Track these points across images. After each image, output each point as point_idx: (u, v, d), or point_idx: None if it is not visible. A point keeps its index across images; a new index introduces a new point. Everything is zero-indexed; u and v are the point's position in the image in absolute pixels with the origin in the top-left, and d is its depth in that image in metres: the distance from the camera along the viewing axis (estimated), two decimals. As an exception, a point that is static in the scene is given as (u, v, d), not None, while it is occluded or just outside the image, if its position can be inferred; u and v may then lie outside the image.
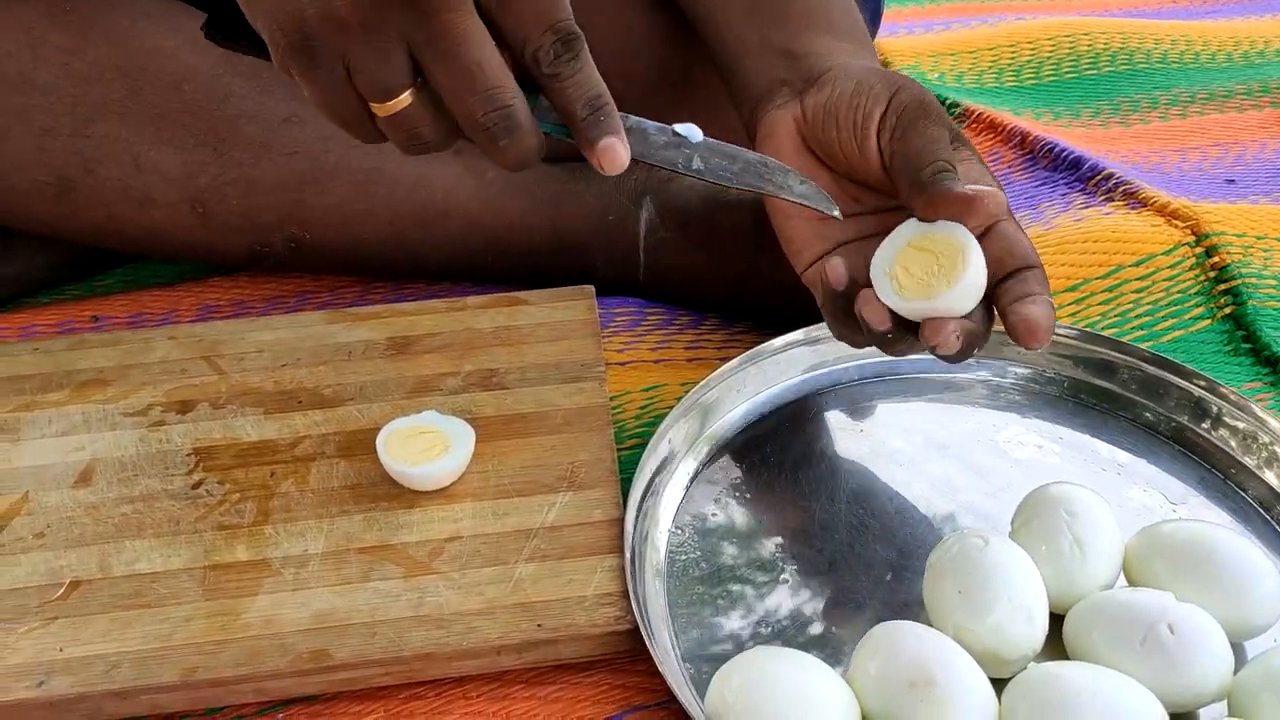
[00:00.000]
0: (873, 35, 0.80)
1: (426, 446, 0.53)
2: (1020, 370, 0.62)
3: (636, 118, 0.45)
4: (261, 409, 0.59)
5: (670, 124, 0.45)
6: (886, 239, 0.48)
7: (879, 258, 0.47)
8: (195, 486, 0.54)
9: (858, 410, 0.60)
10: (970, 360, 0.61)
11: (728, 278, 0.69)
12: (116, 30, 0.64)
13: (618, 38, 0.73)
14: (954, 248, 0.45)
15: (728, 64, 0.62)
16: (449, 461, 0.53)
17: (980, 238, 0.48)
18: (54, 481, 0.55)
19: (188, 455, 0.56)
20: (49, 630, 0.47)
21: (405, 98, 0.42)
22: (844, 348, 0.62)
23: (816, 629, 0.49)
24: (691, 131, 0.45)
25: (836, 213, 0.46)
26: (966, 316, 0.46)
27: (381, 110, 0.43)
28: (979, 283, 0.45)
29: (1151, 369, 0.58)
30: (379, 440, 0.53)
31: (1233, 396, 0.56)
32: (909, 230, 0.47)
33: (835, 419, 0.60)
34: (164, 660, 0.46)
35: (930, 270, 0.45)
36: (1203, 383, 0.57)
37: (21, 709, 0.45)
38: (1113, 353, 0.60)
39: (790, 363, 0.61)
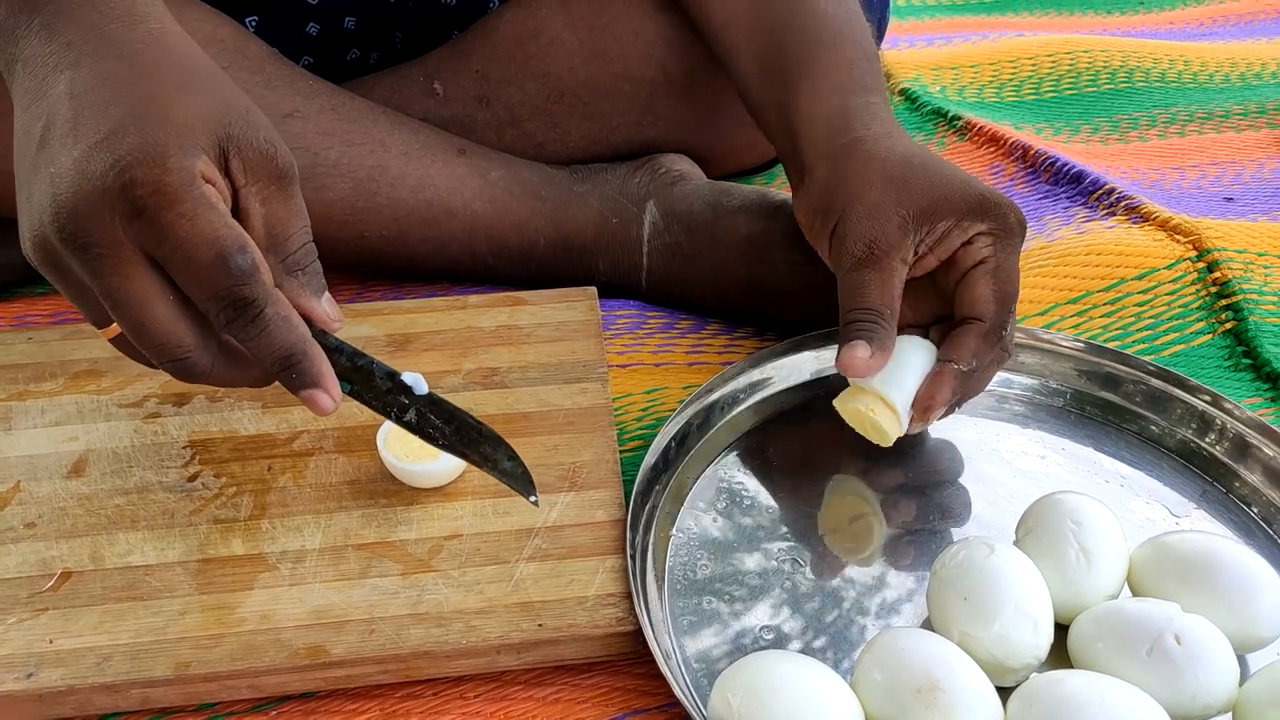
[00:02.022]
0: (877, 47, 0.81)
1: (422, 446, 0.52)
2: (1024, 381, 0.62)
3: (368, 357, 0.45)
4: (259, 403, 0.58)
5: (401, 371, 0.45)
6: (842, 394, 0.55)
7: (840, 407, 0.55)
8: (191, 479, 0.54)
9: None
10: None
11: (730, 284, 0.69)
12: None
13: (623, 40, 0.73)
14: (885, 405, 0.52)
15: (763, 130, 0.64)
16: (449, 460, 0.52)
17: (957, 281, 0.54)
18: (46, 471, 0.54)
19: (183, 448, 0.56)
20: (39, 622, 0.46)
21: (113, 328, 0.43)
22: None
23: (820, 634, 0.48)
24: (417, 383, 0.45)
25: (534, 499, 0.47)
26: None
27: (102, 335, 0.44)
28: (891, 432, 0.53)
29: (1156, 382, 0.58)
30: (379, 436, 0.53)
31: (1237, 411, 0.56)
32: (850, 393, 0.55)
33: (838, 426, 0.59)
34: (157, 654, 0.45)
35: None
36: (1207, 397, 0.57)
37: (10, 701, 0.44)
38: (1117, 365, 0.60)
39: (794, 368, 0.61)
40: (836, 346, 0.52)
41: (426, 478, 0.52)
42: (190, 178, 0.40)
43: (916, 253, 0.53)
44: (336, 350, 0.44)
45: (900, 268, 0.53)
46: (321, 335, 0.44)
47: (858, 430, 0.55)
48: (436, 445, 0.46)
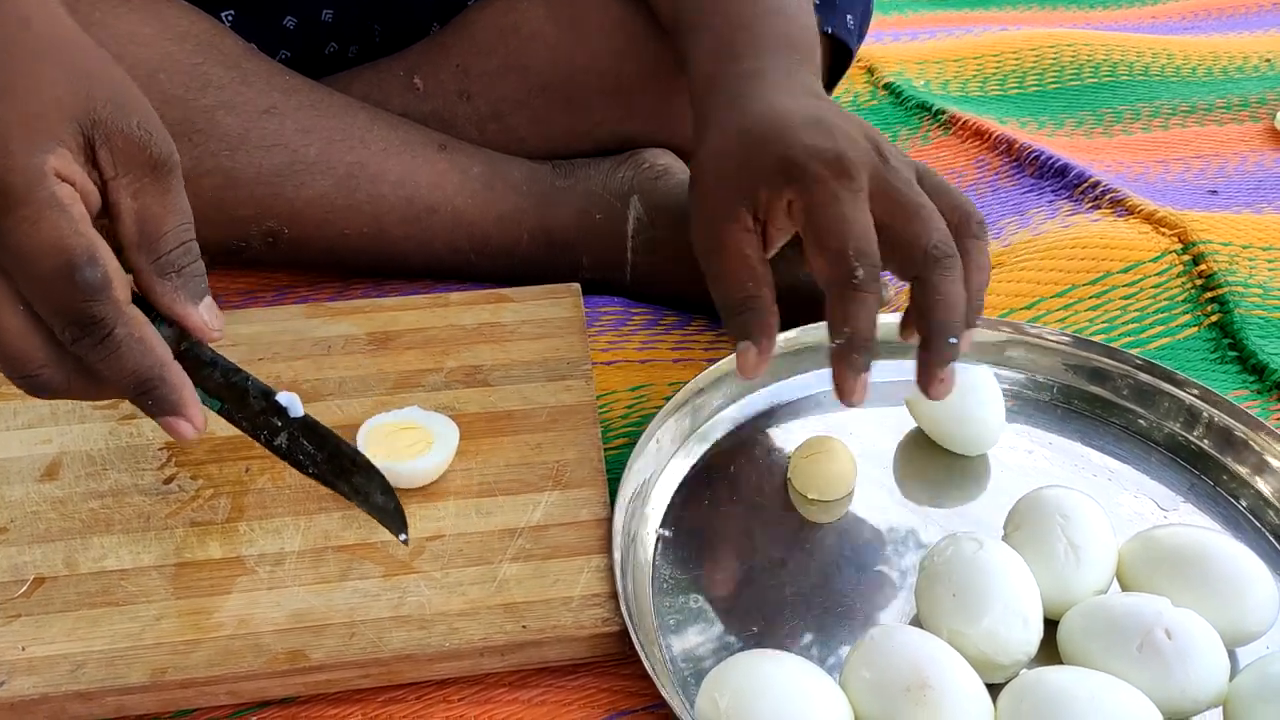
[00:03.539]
0: (860, 41, 0.80)
1: (409, 443, 0.52)
2: (1011, 375, 0.61)
3: (244, 374, 0.42)
4: (237, 403, 0.57)
5: (278, 391, 0.43)
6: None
7: None
8: (167, 482, 0.53)
9: (849, 414, 0.60)
10: (963, 364, 0.62)
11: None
12: (93, 16, 0.62)
13: (606, 33, 0.72)
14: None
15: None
16: (431, 458, 0.51)
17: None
18: (19, 475, 0.53)
19: (159, 450, 0.55)
20: (11, 629, 0.45)
21: None
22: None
23: (808, 632, 0.48)
24: (292, 404, 0.42)
25: (403, 538, 0.44)
26: None
27: None
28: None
29: (1143, 376, 0.58)
30: (359, 436, 0.52)
31: (1224, 404, 0.55)
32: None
33: (827, 421, 0.59)
34: (132, 660, 0.44)
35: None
36: (1195, 390, 0.56)
37: (-20, 710, 0.43)
38: (1105, 359, 0.59)
39: (781, 364, 0.61)
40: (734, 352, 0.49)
41: (408, 477, 0.51)
42: (36, 176, 0.36)
43: (758, 220, 0.50)
44: (210, 364, 0.42)
45: (749, 236, 0.50)
46: (196, 347, 0.41)
47: (930, 436, 0.56)
48: (306, 473, 0.43)
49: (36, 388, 0.40)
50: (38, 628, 0.45)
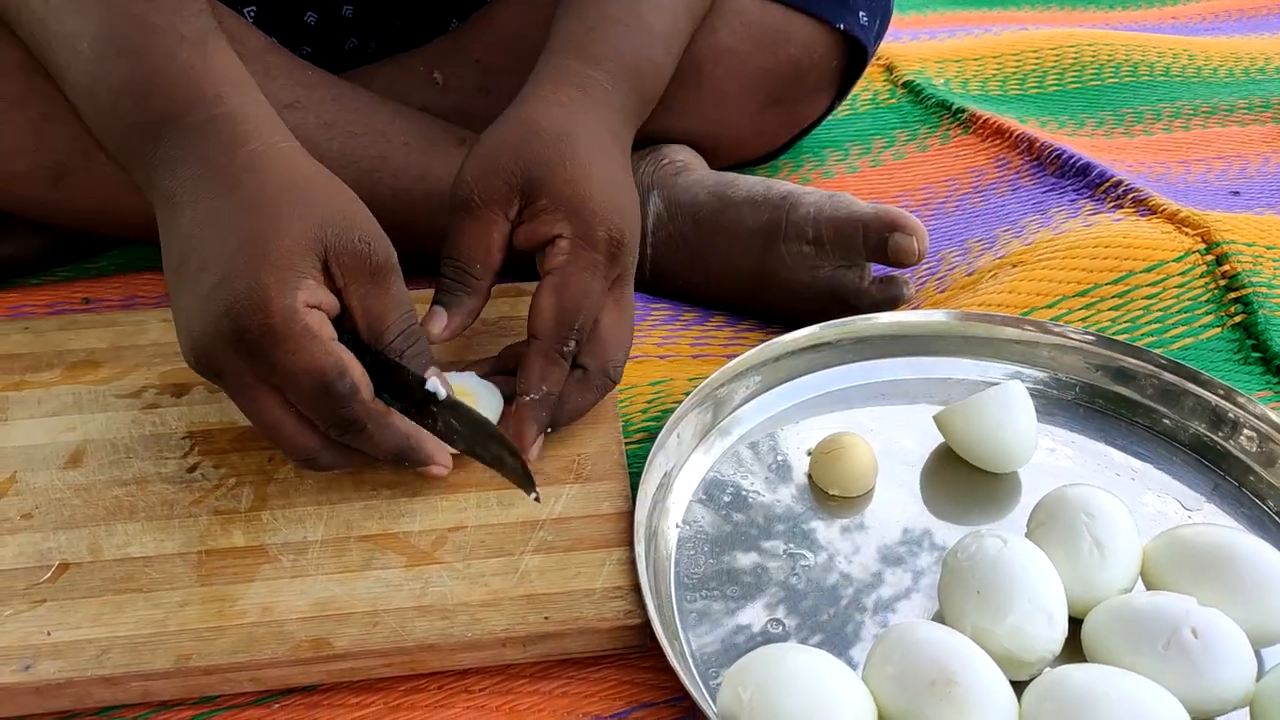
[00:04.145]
0: (879, 40, 0.80)
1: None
2: (1033, 374, 0.61)
3: (405, 370, 0.47)
4: (259, 394, 0.57)
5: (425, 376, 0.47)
6: None
7: None
8: (190, 470, 0.53)
9: (870, 410, 0.60)
10: (985, 363, 0.61)
11: (736, 275, 0.68)
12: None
13: None
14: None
15: None
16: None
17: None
18: (43, 462, 0.53)
19: (182, 438, 0.55)
20: (36, 613, 0.46)
21: None
22: (858, 348, 0.61)
23: (829, 627, 0.48)
24: (437, 387, 0.47)
25: (535, 495, 0.47)
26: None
27: None
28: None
29: (1168, 375, 0.58)
30: None
31: (1250, 405, 0.55)
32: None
33: (847, 418, 0.59)
34: (157, 646, 0.44)
35: None
36: (1220, 390, 0.56)
37: (7, 694, 0.43)
38: (1129, 359, 0.59)
39: (802, 360, 0.61)
40: None
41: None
42: (291, 314, 0.44)
43: (520, 217, 0.52)
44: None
45: (502, 222, 0.52)
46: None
47: (960, 453, 0.56)
48: (456, 448, 0.48)
49: (315, 467, 0.49)
50: (63, 612, 0.45)
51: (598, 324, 0.52)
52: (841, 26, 0.74)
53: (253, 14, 0.71)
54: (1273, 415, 0.54)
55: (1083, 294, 0.68)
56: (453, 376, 0.53)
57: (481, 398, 0.53)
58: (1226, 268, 0.68)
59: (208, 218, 0.46)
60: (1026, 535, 0.49)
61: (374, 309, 0.47)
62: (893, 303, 0.67)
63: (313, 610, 0.46)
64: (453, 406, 0.47)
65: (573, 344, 0.51)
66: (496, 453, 0.47)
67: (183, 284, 0.46)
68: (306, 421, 0.46)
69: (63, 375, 0.59)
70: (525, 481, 0.47)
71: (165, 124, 0.49)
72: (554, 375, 0.51)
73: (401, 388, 0.47)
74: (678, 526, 0.52)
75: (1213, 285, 0.68)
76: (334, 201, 0.47)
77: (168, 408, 0.57)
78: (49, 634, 0.45)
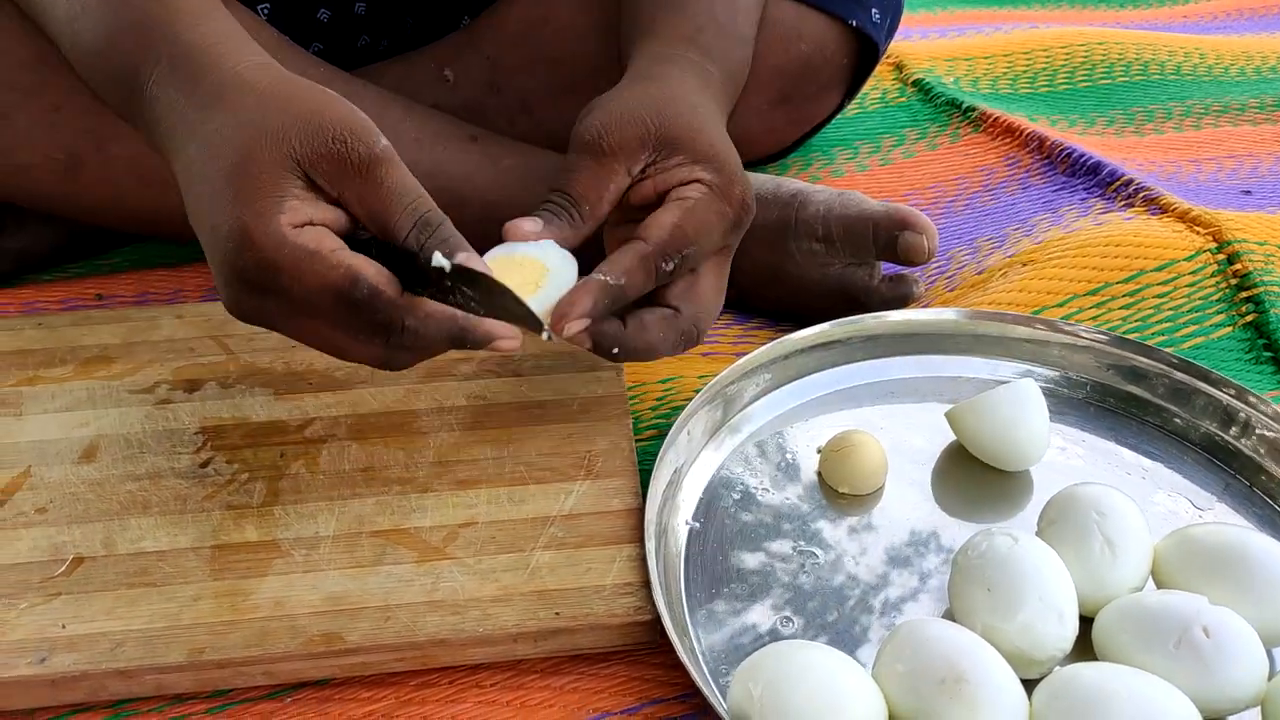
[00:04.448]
0: (889, 38, 0.80)
1: (522, 281, 0.47)
2: (1044, 373, 0.61)
3: (411, 255, 0.44)
4: (271, 390, 0.58)
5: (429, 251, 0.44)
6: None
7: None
8: (203, 465, 0.53)
9: (880, 409, 0.60)
10: (995, 361, 0.61)
11: (746, 273, 0.68)
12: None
13: (588, 23, 0.72)
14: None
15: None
16: (545, 295, 0.47)
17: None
18: (57, 457, 0.54)
19: (195, 434, 0.55)
20: (51, 607, 0.46)
21: None
22: (868, 346, 0.61)
23: (839, 625, 0.48)
24: (440, 260, 0.43)
25: (546, 335, 0.45)
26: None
27: None
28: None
29: (1179, 375, 0.58)
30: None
31: (1262, 405, 0.55)
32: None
33: (857, 416, 0.59)
34: (171, 640, 0.44)
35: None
36: (1231, 390, 0.56)
37: (22, 686, 0.43)
38: (1140, 358, 0.59)
39: (812, 357, 0.61)
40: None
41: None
42: (279, 241, 0.41)
43: (644, 173, 0.50)
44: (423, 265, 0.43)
45: (622, 174, 0.49)
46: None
47: (971, 451, 0.55)
48: (469, 309, 0.44)
49: (388, 368, 0.46)
50: (78, 606, 0.46)
51: (699, 276, 0.50)
52: (854, 23, 0.74)
53: (266, 10, 0.71)
54: (1284, 414, 0.54)
55: (1094, 293, 0.68)
56: (530, 246, 0.48)
57: (559, 272, 0.48)
58: (1238, 266, 0.68)
59: (189, 169, 0.44)
60: (1037, 534, 0.49)
61: (374, 207, 0.44)
62: (902, 301, 0.67)
63: (325, 605, 0.46)
64: (461, 274, 0.43)
65: (671, 266, 0.48)
66: (502, 303, 0.44)
67: (203, 243, 0.44)
68: (355, 336, 0.44)
69: (76, 371, 0.59)
70: (534, 323, 0.44)
71: (139, 72, 0.47)
72: (638, 277, 0.47)
73: (421, 273, 0.43)
74: (688, 523, 0.52)
75: (1224, 284, 0.68)
76: (299, 110, 0.43)
77: (180, 403, 0.57)
78: (64, 627, 0.45)
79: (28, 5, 0.56)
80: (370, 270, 0.42)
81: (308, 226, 0.43)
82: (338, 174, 0.43)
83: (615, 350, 0.49)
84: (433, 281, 0.43)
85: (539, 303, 0.47)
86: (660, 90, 0.52)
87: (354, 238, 0.44)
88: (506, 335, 0.45)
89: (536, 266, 0.48)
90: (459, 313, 0.44)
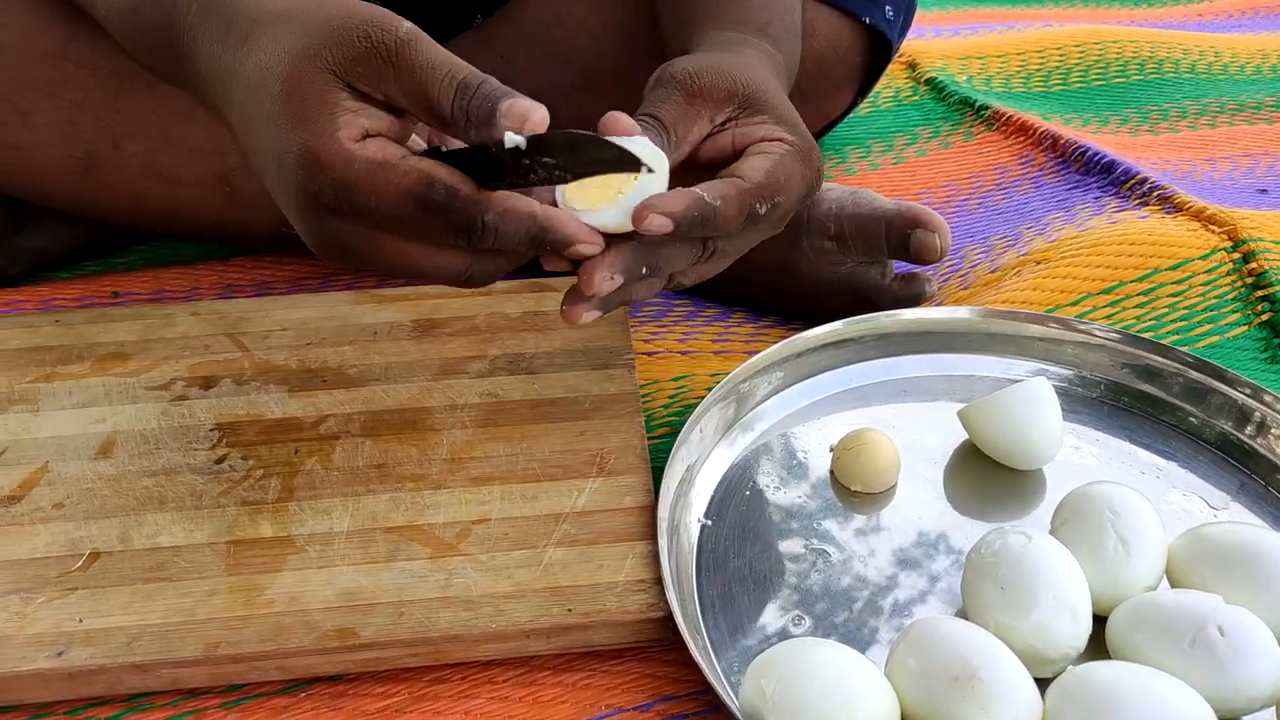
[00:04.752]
0: (902, 36, 0.80)
1: (602, 184, 0.45)
2: (1058, 371, 0.61)
3: (482, 148, 0.42)
4: (285, 386, 0.58)
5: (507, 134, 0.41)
6: None
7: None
8: (218, 461, 0.53)
9: (892, 407, 0.59)
10: (1009, 360, 0.61)
11: (758, 271, 0.68)
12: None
13: (650, 23, 0.72)
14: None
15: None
16: (625, 203, 0.44)
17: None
18: (74, 452, 0.54)
19: (210, 430, 0.55)
20: (68, 601, 0.46)
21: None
22: (880, 344, 0.61)
23: (851, 622, 0.48)
24: (512, 139, 0.41)
25: (646, 168, 0.42)
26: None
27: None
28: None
29: (1194, 373, 0.57)
30: (557, 192, 0.45)
31: (1277, 403, 0.55)
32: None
33: (869, 414, 0.59)
34: (186, 634, 0.45)
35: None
36: (1246, 388, 0.56)
37: (40, 679, 0.44)
38: (1155, 356, 0.59)
39: (824, 356, 0.61)
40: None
41: (607, 223, 0.45)
42: (348, 159, 0.40)
43: (723, 125, 0.49)
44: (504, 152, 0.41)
45: (705, 120, 0.49)
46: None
47: (984, 450, 0.55)
48: (567, 183, 0.43)
49: (479, 284, 0.45)
50: (94, 601, 0.46)
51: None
52: (868, 20, 0.74)
53: (279, 11, 0.71)
54: (1301, 414, 0.54)
55: (1108, 291, 0.68)
56: (626, 140, 0.45)
57: (653, 171, 0.44)
58: (1253, 265, 0.68)
59: (243, 113, 0.44)
60: (1051, 532, 0.49)
61: (415, 93, 0.42)
62: (915, 299, 0.67)
63: (339, 600, 0.46)
64: (539, 144, 0.41)
65: (764, 210, 0.46)
66: (598, 155, 0.42)
67: (272, 185, 0.44)
68: (439, 249, 0.43)
69: (93, 367, 0.59)
70: (632, 163, 0.41)
71: (172, 25, 0.47)
72: (733, 209, 0.45)
73: (496, 164, 0.42)
74: (700, 521, 0.52)
75: (1239, 283, 0.68)
76: (321, 21, 0.43)
77: (196, 400, 0.57)
78: (81, 621, 0.45)
79: None
80: (443, 171, 0.41)
81: (369, 139, 0.42)
82: (374, 72, 0.42)
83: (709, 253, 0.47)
84: (509, 167, 0.41)
85: (630, 200, 0.44)
86: (743, 59, 0.51)
87: (420, 151, 0.43)
88: (587, 240, 0.43)
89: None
90: (538, 208, 0.42)
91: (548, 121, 0.41)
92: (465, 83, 0.41)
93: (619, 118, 0.46)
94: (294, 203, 0.42)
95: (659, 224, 0.43)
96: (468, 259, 0.43)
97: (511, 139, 0.41)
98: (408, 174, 0.41)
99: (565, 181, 0.43)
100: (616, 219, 0.44)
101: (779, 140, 0.49)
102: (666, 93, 0.49)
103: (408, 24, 0.42)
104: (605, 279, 0.45)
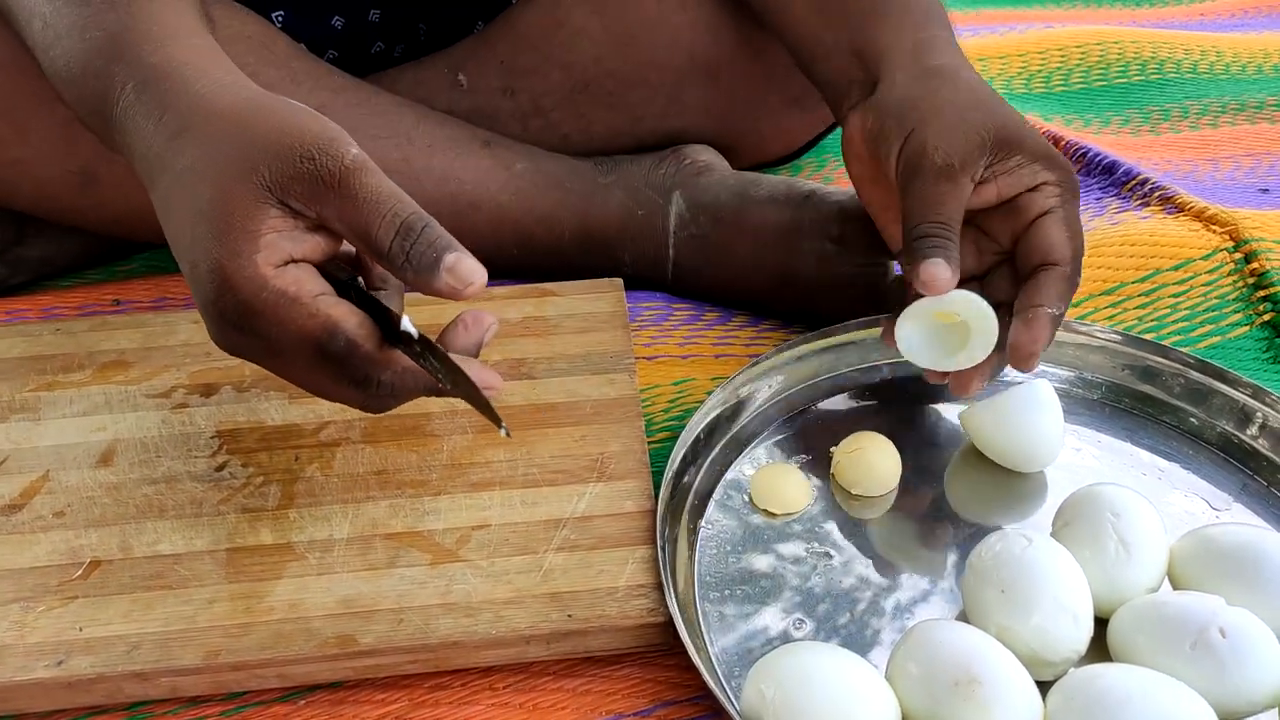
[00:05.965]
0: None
1: (948, 334, 0.52)
2: (1060, 373, 0.61)
3: (384, 313, 0.43)
4: (285, 393, 0.58)
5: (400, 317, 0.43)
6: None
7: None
8: (218, 469, 0.54)
9: (891, 410, 0.59)
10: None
11: (758, 275, 0.68)
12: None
13: (650, 28, 0.72)
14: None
15: (804, 65, 0.63)
16: (969, 354, 0.51)
17: (1023, 229, 0.52)
18: (75, 461, 0.54)
19: (211, 438, 0.55)
20: (68, 609, 0.46)
21: None
22: (880, 347, 0.61)
23: (851, 626, 0.47)
24: (408, 326, 0.42)
25: (504, 431, 0.42)
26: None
27: None
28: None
29: (1195, 374, 0.57)
30: (899, 329, 0.53)
31: (1279, 404, 0.54)
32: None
33: (869, 417, 0.59)
34: (186, 642, 0.45)
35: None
36: (1248, 389, 0.56)
37: (40, 688, 0.44)
38: (1156, 357, 0.58)
39: (824, 360, 0.61)
40: (907, 261, 0.51)
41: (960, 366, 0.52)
42: (259, 285, 0.40)
43: (982, 178, 0.52)
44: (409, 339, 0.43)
45: (969, 186, 0.52)
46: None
47: (985, 452, 0.55)
48: (439, 382, 0.44)
49: (370, 413, 0.47)
50: (94, 609, 0.46)
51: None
52: None
53: (280, 18, 0.71)
54: (1303, 414, 0.54)
55: (1109, 292, 0.68)
56: (956, 294, 0.50)
57: (975, 327, 0.51)
58: (1255, 265, 0.68)
59: (166, 203, 0.43)
60: (1052, 535, 0.48)
61: (353, 222, 0.41)
62: (916, 302, 0.66)
63: (339, 607, 0.46)
64: (430, 346, 0.42)
65: (1079, 280, 0.52)
66: (467, 391, 0.43)
67: (185, 277, 0.43)
68: (338, 383, 0.43)
69: (94, 376, 0.60)
70: (494, 418, 0.42)
71: (107, 98, 0.45)
72: (1069, 296, 0.52)
73: (395, 332, 0.42)
74: (701, 525, 0.52)
75: (1241, 283, 0.68)
76: (264, 132, 0.41)
77: (196, 407, 0.57)
78: (81, 630, 0.45)
79: (14, 26, 0.53)
80: (350, 322, 0.41)
81: (289, 265, 0.41)
82: (312, 194, 0.41)
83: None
84: (402, 342, 0.42)
85: (974, 348, 0.51)
86: (970, 93, 0.54)
87: (339, 280, 0.43)
88: (490, 384, 0.44)
89: (960, 327, 0.52)
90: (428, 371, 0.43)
91: (485, 284, 0.42)
92: (408, 225, 0.41)
93: (937, 278, 0.49)
94: (201, 308, 0.42)
95: (1029, 369, 0.51)
96: (364, 396, 0.43)
97: (407, 326, 0.42)
98: (314, 317, 0.41)
99: (438, 380, 0.43)
100: (966, 364, 0.52)
101: (1045, 185, 0.52)
102: (936, 188, 0.51)
103: (355, 150, 0.41)
104: (978, 388, 0.54)
